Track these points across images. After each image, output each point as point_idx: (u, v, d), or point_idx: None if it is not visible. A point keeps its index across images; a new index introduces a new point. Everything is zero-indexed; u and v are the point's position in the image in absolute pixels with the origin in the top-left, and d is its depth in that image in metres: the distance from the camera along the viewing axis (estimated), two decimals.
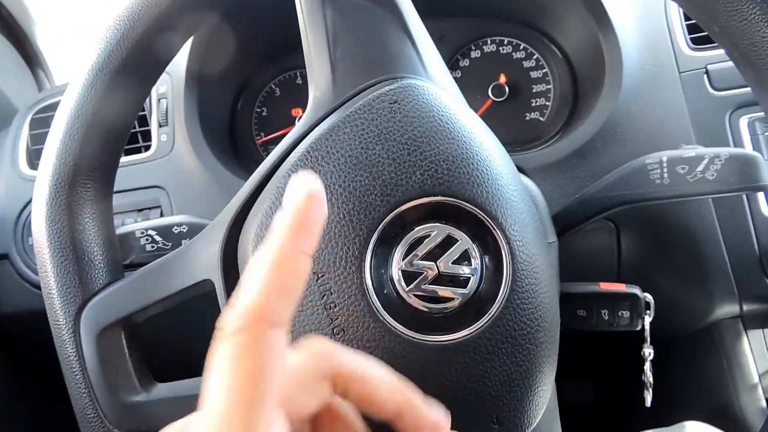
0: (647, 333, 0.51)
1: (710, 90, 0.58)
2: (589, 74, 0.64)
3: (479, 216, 0.33)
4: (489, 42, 0.71)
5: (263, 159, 0.72)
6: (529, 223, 0.35)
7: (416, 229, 0.33)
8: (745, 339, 0.62)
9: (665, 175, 0.45)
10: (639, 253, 0.61)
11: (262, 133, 0.73)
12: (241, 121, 0.71)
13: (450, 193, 0.33)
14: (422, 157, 0.33)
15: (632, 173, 0.47)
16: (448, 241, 0.33)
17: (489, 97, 0.69)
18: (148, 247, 0.45)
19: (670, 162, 0.45)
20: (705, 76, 0.58)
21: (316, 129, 0.34)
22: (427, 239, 0.33)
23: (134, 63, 0.37)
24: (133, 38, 0.36)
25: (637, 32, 0.60)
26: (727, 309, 0.58)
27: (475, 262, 0.33)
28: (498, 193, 0.33)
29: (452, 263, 0.33)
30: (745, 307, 0.57)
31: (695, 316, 0.61)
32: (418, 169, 0.33)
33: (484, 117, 0.69)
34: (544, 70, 0.70)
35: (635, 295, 0.51)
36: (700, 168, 0.44)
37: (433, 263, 0.33)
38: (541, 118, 0.70)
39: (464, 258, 0.33)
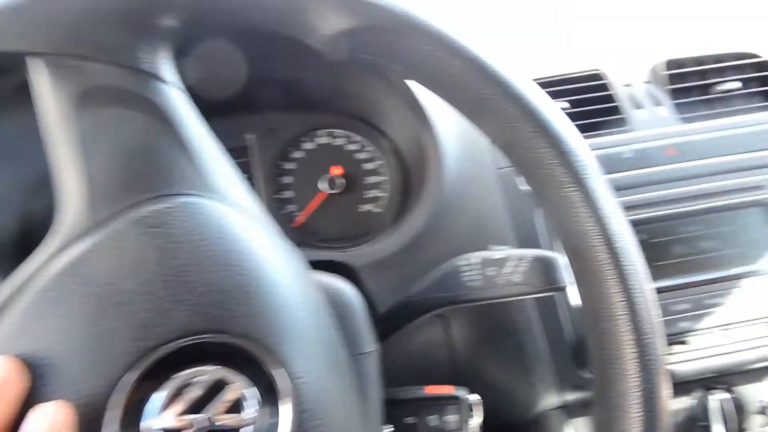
0: None
1: (522, 187, 0.61)
2: (417, 168, 0.65)
3: (256, 354, 0.29)
4: (322, 134, 0.70)
5: None
6: (322, 353, 0.32)
7: (178, 375, 0.28)
8: (570, 428, 0.63)
9: (477, 277, 0.46)
10: (469, 347, 0.60)
11: None
12: None
13: (219, 329, 0.29)
14: (186, 289, 0.29)
15: (447, 275, 0.47)
16: (219, 387, 0.29)
17: (322, 189, 0.68)
18: None
19: (481, 264, 0.46)
20: None
21: (53, 262, 0.29)
22: (191, 387, 0.28)
23: None
24: None
25: (457, 128, 0.63)
26: (551, 399, 0.59)
27: (252, 408, 0.29)
28: (280, 323, 0.30)
29: (225, 413, 0.28)
30: (567, 397, 0.59)
31: (524, 408, 0.61)
32: (180, 303, 0.28)
33: (319, 210, 0.68)
34: (378, 162, 0.70)
35: (459, 398, 0.50)
36: (507, 270, 0.45)
37: (199, 416, 0.28)
38: (376, 210, 0.69)
39: (240, 405, 0.29)
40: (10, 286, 0.29)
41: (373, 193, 0.69)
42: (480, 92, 0.34)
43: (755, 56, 0.72)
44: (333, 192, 0.68)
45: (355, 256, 0.58)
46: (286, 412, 0.29)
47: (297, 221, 0.68)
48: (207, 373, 0.29)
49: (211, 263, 0.30)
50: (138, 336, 0.27)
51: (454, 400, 0.49)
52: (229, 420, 0.28)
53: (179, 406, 0.28)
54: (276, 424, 0.29)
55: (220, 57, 0.57)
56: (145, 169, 0.31)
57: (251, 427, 0.29)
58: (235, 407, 0.29)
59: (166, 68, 0.34)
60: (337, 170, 0.69)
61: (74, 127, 0.31)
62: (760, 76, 0.72)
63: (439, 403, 0.49)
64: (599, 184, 0.34)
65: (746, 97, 0.71)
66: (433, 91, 0.36)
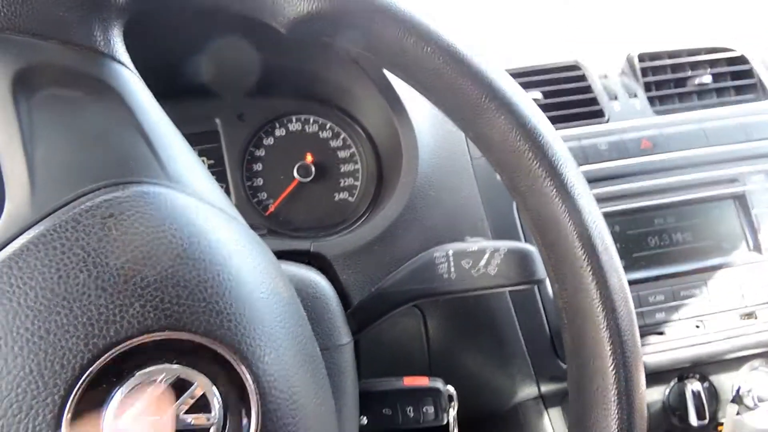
0: (453, 427, 0.50)
1: (499, 177, 0.60)
2: (391, 156, 0.64)
3: (219, 351, 0.27)
4: (294, 120, 0.68)
5: None
6: (290, 348, 0.31)
7: (136, 374, 0.26)
8: (546, 418, 0.63)
9: (452, 269, 0.45)
10: (446, 338, 0.60)
11: None
12: None
13: (179, 326, 0.27)
14: (144, 284, 0.27)
15: (422, 267, 0.46)
16: (180, 387, 0.27)
17: (295, 177, 0.66)
18: None
19: (456, 256, 0.45)
20: None
21: None
22: (150, 387, 0.26)
23: None
24: None
25: (431, 117, 0.61)
26: (528, 390, 0.59)
27: (216, 409, 0.27)
28: (244, 319, 0.28)
29: (185, 413, 0.27)
30: (543, 388, 0.59)
31: (501, 399, 0.61)
32: (137, 299, 0.26)
33: (291, 198, 0.66)
34: (351, 150, 0.68)
35: (438, 390, 0.50)
36: (483, 262, 0.44)
37: (158, 417, 0.26)
38: (350, 199, 0.68)
39: (202, 405, 0.27)
40: None
41: (347, 181, 0.68)
42: (453, 81, 0.33)
43: (728, 50, 0.73)
44: (306, 180, 0.66)
45: (329, 245, 0.56)
46: (252, 412, 0.28)
47: (269, 209, 0.66)
48: (167, 372, 0.27)
49: (169, 256, 0.28)
50: (92, 333, 0.25)
51: (431, 391, 0.48)
52: (191, 420, 0.27)
53: (138, 407, 0.26)
54: (241, 425, 0.27)
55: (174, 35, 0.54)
56: (97, 155, 0.29)
57: (214, 428, 0.27)
58: (198, 408, 0.27)
59: (120, 48, 0.32)
60: (309, 158, 0.67)
61: (12, 108, 0.29)
62: (732, 71, 0.72)
63: (417, 394, 0.49)
64: (576, 177, 0.33)
65: (719, 91, 0.71)
66: (403, 78, 0.35)
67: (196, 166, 0.34)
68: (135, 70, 0.32)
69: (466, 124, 0.34)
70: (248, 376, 0.28)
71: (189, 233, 0.29)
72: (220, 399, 0.27)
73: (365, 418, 0.48)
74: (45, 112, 0.29)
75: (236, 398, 0.28)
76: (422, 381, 0.50)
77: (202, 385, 0.27)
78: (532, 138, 0.33)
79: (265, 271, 0.32)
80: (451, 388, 0.50)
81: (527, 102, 0.34)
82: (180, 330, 0.27)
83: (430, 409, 0.50)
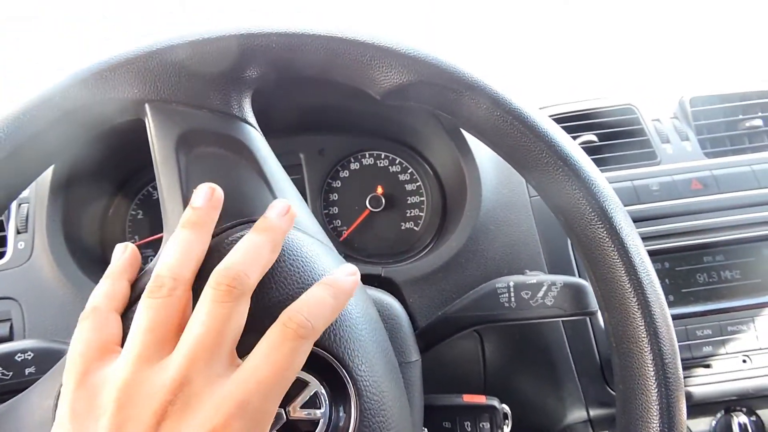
0: None
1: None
2: (455, 191, 0.70)
3: (327, 359, 0.34)
4: (367, 155, 0.75)
5: None
6: (379, 360, 0.37)
7: None
8: None
9: (512, 299, 0.50)
10: (501, 361, 0.65)
11: (137, 237, 0.71)
12: (114, 224, 0.69)
13: None
14: (269, 305, 0.34)
15: (485, 296, 0.51)
16: (299, 385, 0.34)
17: (367, 207, 0.73)
18: None
19: (516, 287, 0.50)
20: None
21: None
22: None
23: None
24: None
25: (494, 158, 0.67)
26: (577, 414, 0.63)
27: (324, 405, 0.34)
28: (346, 335, 0.35)
29: (301, 407, 0.34)
30: (592, 412, 0.62)
31: (551, 421, 0.65)
32: (265, 318, 0.34)
33: (363, 226, 0.74)
34: (418, 183, 0.75)
35: (494, 407, 0.54)
36: (540, 294, 0.49)
37: (282, 409, 0.33)
38: (415, 228, 0.74)
39: (314, 401, 0.34)
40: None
41: (413, 212, 0.74)
42: (518, 141, 0.39)
43: None
44: (376, 210, 0.73)
45: (398, 272, 0.62)
46: (351, 409, 0.34)
47: (342, 236, 0.73)
48: None
49: (288, 283, 0.35)
50: None
51: (488, 408, 0.53)
52: (306, 413, 0.34)
53: None
54: (346, 417, 0.34)
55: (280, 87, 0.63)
56: (235, 199, 0.37)
57: (323, 420, 0.34)
58: (311, 404, 0.34)
59: (249, 112, 0.40)
60: (380, 190, 0.74)
61: (174, 162, 0.37)
62: None
63: (475, 410, 0.53)
64: (624, 221, 0.39)
65: None
66: (476, 136, 0.41)
67: (302, 205, 0.41)
68: (259, 129, 0.40)
69: (526, 173, 0.40)
70: (349, 380, 0.34)
71: (301, 264, 0.36)
72: (327, 398, 0.34)
73: (426, 429, 0.54)
74: (198, 166, 0.37)
75: (340, 398, 0.35)
76: (480, 399, 0.55)
77: (314, 385, 0.34)
78: (587, 188, 0.38)
79: (357, 294, 0.39)
80: (506, 407, 0.54)
81: (582, 155, 0.40)
82: None
83: (486, 426, 0.54)
